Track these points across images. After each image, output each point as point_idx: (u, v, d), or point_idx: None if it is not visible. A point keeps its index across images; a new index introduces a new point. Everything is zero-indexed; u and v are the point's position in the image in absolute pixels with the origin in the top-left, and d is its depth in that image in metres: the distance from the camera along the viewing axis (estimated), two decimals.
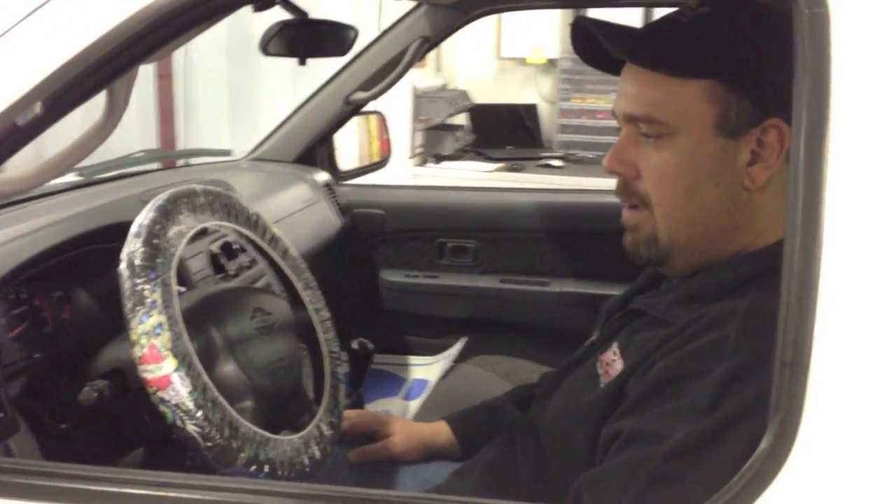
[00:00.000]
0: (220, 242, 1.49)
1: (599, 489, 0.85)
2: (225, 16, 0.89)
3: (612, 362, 0.97)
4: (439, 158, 3.83)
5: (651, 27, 0.99)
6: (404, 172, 3.52)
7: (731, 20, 0.90)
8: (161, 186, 1.50)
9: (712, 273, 0.94)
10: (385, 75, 1.93)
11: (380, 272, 2.13)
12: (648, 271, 1.12)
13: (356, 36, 1.43)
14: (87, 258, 1.26)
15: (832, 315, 0.63)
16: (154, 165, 2.08)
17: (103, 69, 0.79)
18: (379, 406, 2.04)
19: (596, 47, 0.96)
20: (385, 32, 1.93)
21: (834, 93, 0.64)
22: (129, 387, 1.04)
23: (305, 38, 1.34)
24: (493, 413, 1.30)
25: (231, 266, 1.49)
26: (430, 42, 1.90)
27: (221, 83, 3.46)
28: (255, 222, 1.20)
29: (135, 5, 0.77)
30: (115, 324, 1.27)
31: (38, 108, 0.74)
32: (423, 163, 3.82)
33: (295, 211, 1.85)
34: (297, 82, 3.54)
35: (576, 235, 2.01)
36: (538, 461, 1.03)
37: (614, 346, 0.99)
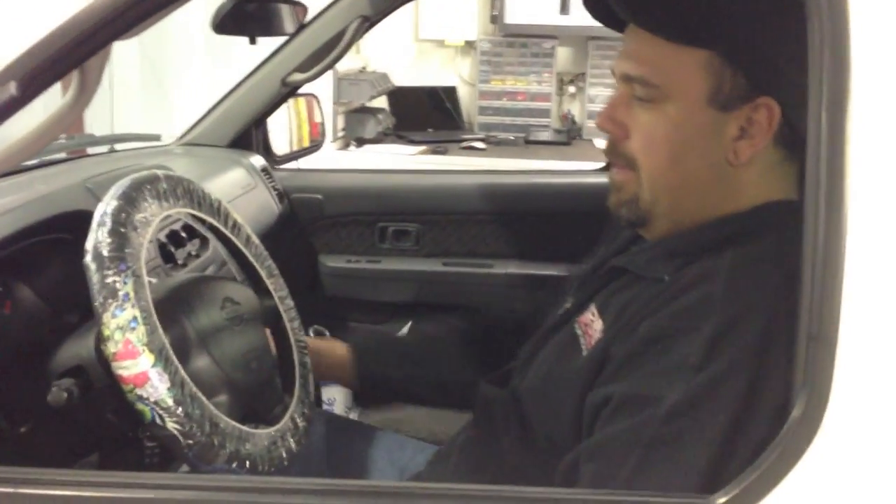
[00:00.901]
0: (167, 231, 1.42)
1: (600, 460, 0.84)
2: None
3: (591, 322, 0.97)
4: (361, 142, 3.78)
5: None
6: (327, 156, 3.45)
7: None
8: (102, 173, 1.43)
9: (692, 232, 0.95)
10: (323, 56, 1.88)
11: (320, 258, 2.09)
12: (616, 238, 1.12)
13: (305, 14, 1.39)
14: (27, 251, 1.19)
15: (858, 289, 0.64)
16: (62, 154, 1.97)
17: (79, 47, 0.74)
18: (325, 393, 2.00)
19: (606, 5, 0.95)
20: (323, 12, 1.87)
21: (854, 65, 0.64)
22: (93, 385, 0.99)
23: (255, 16, 1.29)
24: (394, 340, 1.33)
25: (180, 255, 1.43)
26: (370, 21, 1.85)
27: (133, 62, 3.31)
28: (217, 209, 1.15)
29: None
30: (62, 319, 1.20)
31: (12, 88, 0.69)
32: (345, 146, 3.76)
33: (235, 197, 1.78)
34: (216, 62, 3.42)
35: (519, 217, 2.01)
36: (522, 434, 1.02)
37: (592, 307, 0.99)
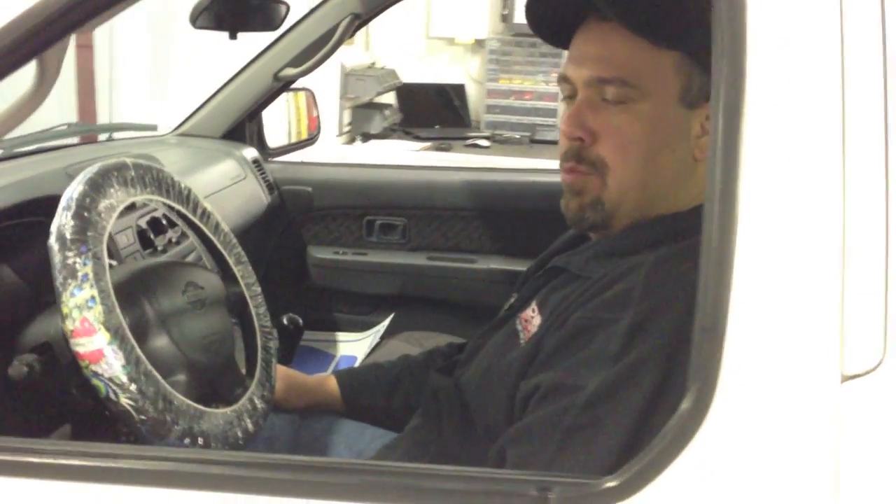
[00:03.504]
0: (147, 218, 1.48)
1: (522, 444, 0.89)
2: None
3: (531, 319, 1.01)
4: (367, 137, 3.83)
5: None
6: (332, 151, 3.51)
7: None
8: (87, 160, 1.48)
9: (631, 232, 0.99)
10: (315, 52, 1.92)
11: (308, 249, 2.13)
12: (567, 235, 1.15)
13: (287, 11, 1.43)
14: (10, 233, 1.24)
15: (747, 283, 0.67)
16: (75, 139, 2.03)
17: (35, 38, 0.78)
18: None
19: (549, 20, 1.01)
20: (315, 8, 1.92)
21: (749, 75, 0.67)
22: (59, 361, 1.04)
23: (235, 11, 1.34)
24: (380, 370, 1.35)
25: (159, 241, 1.48)
26: (361, 19, 1.90)
27: (145, 56, 3.38)
28: (186, 197, 1.19)
29: None
30: (40, 299, 1.26)
31: None
32: (350, 141, 3.81)
33: (223, 187, 1.84)
34: (226, 58, 3.48)
35: (503, 213, 2.05)
36: (463, 421, 1.07)
37: (533, 304, 1.03)
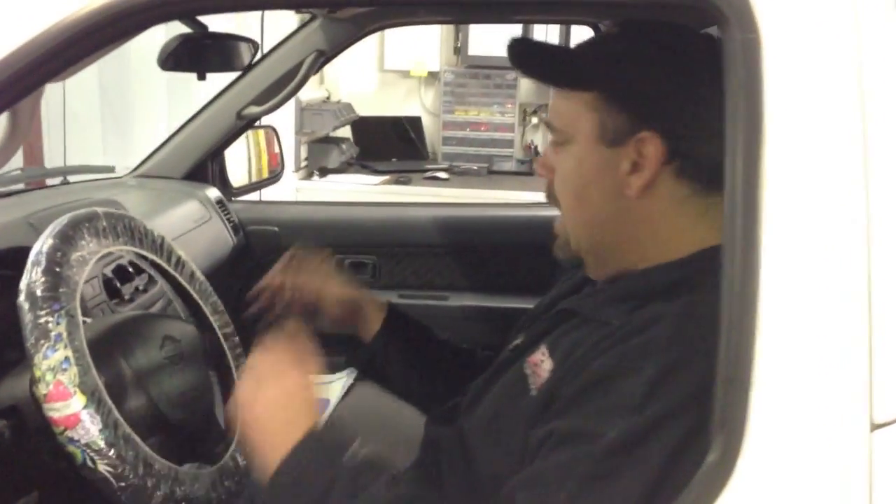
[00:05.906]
0: (112, 266, 1.41)
1: (533, 490, 0.85)
2: (133, 36, 0.85)
3: (541, 363, 0.98)
4: (324, 172, 3.78)
5: (565, 46, 1.04)
6: (289, 186, 3.46)
7: (627, 39, 0.97)
8: (47, 208, 1.42)
9: (639, 277, 0.97)
10: (279, 89, 1.89)
11: None
12: (572, 277, 1.14)
13: (256, 50, 1.40)
14: None
15: (771, 332, 0.65)
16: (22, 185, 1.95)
17: (9, 89, 0.74)
18: (322, 392, 1.99)
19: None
20: (278, 45, 1.88)
21: (767, 113, 0.66)
22: (28, 426, 0.98)
23: (204, 52, 1.30)
24: (424, 330, 1.41)
25: (126, 290, 1.42)
26: (326, 56, 1.87)
27: (93, 95, 3.30)
28: (160, 246, 1.14)
29: (40, 25, 0.73)
30: (4, 357, 1.19)
31: None
32: (308, 176, 3.76)
33: (188, 230, 1.78)
34: (172, 96, 3.42)
35: (474, 249, 2.02)
36: (466, 471, 1.02)
37: (542, 348, 1.00)
